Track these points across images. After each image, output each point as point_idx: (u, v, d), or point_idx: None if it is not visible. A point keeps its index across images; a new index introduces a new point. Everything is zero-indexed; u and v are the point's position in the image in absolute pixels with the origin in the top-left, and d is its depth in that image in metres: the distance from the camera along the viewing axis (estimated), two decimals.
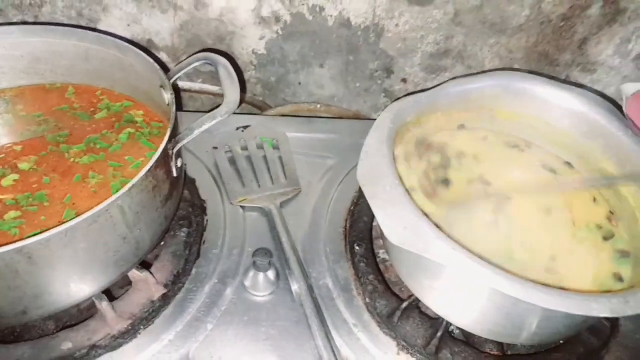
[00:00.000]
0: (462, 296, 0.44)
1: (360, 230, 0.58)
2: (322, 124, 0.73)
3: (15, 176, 0.47)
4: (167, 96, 0.49)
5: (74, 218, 0.42)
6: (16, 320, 0.40)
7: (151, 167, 0.40)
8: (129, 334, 0.47)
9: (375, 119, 0.47)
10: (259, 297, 0.52)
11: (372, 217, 0.60)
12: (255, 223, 0.59)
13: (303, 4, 0.71)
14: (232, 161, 0.64)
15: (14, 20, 0.73)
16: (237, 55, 0.77)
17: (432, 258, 0.38)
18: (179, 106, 0.50)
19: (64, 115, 0.54)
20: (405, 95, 0.53)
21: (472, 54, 0.77)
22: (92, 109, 0.55)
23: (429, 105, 0.54)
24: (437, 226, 0.40)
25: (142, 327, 0.48)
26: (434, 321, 0.50)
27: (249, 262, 0.54)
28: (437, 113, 0.55)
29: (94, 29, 0.56)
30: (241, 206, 0.60)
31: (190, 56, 0.53)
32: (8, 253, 0.33)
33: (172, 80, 0.49)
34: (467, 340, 0.51)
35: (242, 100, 0.79)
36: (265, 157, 0.65)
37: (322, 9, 0.72)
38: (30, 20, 0.73)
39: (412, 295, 0.50)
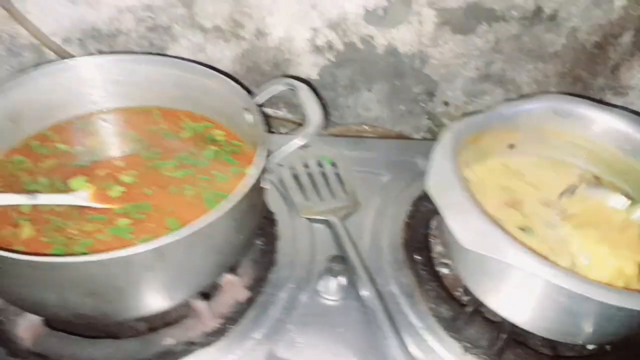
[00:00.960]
0: (527, 297, 0.48)
1: (418, 241, 0.63)
2: (373, 144, 0.79)
3: (122, 188, 0.53)
4: (252, 118, 0.55)
5: (177, 225, 0.48)
6: (143, 312, 0.45)
7: (256, 181, 0.45)
8: (219, 332, 0.52)
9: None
10: (331, 302, 0.57)
11: (428, 229, 0.65)
12: (321, 234, 0.64)
13: (355, 34, 0.78)
14: (296, 177, 0.70)
15: (91, 49, 0.80)
16: None
17: (506, 261, 0.43)
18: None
19: (154, 135, 0.60)
20: (463, 116, 0.59)
21: (511, 79, 0.82)
22: (177, 129, 0.61)
23: (484, 125, 0.59)
24: None
25: (230, 326, 0.53)
26: (497, 324, 0.54)
27: (320, 269, 0.59)
28: (491, 133, 0.60)
29: (183, 58, 0.62)
30: (307, 219, 0.65)
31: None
32: (146, 252, 0.38)
33: (258, 103, 0.55)
34: (523, 342, 0.55)
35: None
36: (324, 174, 0.71)
37: (372, 38, 0.78)
38: (106, 49, 0.80)
39: (474, 300, 0.55)
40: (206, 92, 0.60)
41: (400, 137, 0.89)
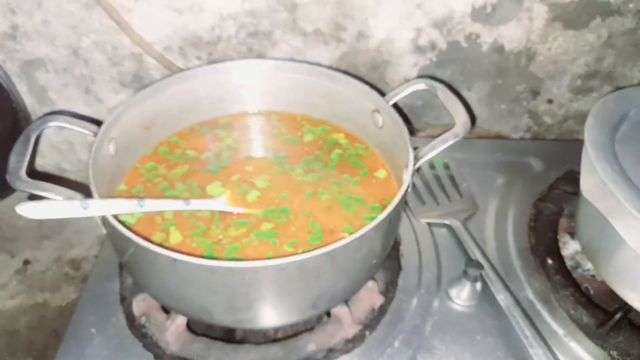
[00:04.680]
0: None
1: (547, 246, 0.60)
2: (482, 145, 0.77)
3: (258, 193, 0.52)
4: (381, 120, 0.54)
5: (319, 229, 0.47)
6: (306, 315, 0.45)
7: (407, 188, 0.44)
8: (359, 338, 0.51)
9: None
10: (465, 308, 0.55)
11: (556, 232, 0.62)
12: (443, 239, 0.62)
13: (460, 33, 0.76)
14: None
15: (191, 56, 0.81)
16: (388, 81, 0.82)
17: None
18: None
19: (277, 139, 0.60)
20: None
21: (622, 75, 0.79)
22: (298, 133, 0.61)
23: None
24: None
25: (367, 332, 0.51)
26: None
27: (448, 274, 0.57)
28: None
29: (302, 61, 0.62)
30: (427, 223, 0.63)
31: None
32: (319, 256, 0.37)
33: (390, 104, 0.54)
34: None
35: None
36: (438, 176, 0.69)
37: (477, 36, 0.76)
38: (205, 56, 0.81)
39: (621, 307, 0.52)
40: (326, 94, 0.59)
41: (499, 137, 0.86)
